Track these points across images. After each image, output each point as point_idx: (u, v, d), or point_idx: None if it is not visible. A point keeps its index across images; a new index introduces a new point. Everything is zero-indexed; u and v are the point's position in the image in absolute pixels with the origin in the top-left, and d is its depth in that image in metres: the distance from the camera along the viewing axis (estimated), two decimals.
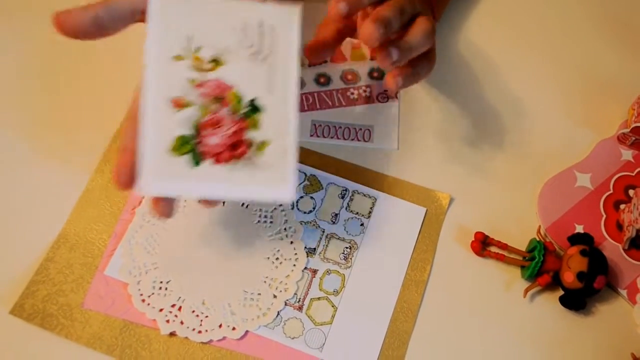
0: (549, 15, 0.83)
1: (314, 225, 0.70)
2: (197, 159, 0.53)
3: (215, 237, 0.67)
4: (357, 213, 0.71)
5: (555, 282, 0.67)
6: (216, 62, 0.55)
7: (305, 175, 0.72)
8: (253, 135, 0.54)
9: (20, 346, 0.63)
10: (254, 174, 0.54)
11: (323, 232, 0.70)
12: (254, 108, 0.55)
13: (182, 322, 0.64)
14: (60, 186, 0.69)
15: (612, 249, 0.69)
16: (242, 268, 0.66)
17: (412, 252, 0.69)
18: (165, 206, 0.55)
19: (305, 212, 0.71)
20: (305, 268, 0.68)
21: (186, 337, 0.63)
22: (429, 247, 0.70)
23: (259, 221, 0.69)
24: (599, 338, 0.67)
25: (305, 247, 0.69)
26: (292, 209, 0.70)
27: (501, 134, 0.76)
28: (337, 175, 0.72)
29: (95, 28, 0.57)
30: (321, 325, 0.66)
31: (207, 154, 0.53)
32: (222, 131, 0.54)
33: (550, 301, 0.68)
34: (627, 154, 0.74)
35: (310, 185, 0.72)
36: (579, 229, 0.70)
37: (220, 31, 0.55)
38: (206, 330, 0.64)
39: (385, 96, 0.77)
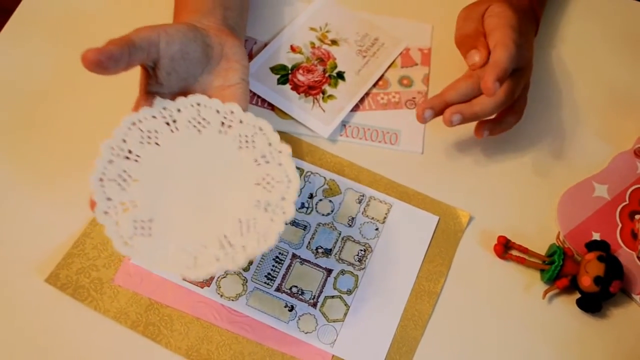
0: (569, 33, 0.86)
1: (331, 227, 0.71)
2: (283, 81, 0.80)
3: (196, 167, 0.60)
4: (373, 218, 0.72)
5: (573, 286, 0.68)
6: (334, 42, 0.83)
7: (325, 179, 0.74)
8: (327, 89, 0.79)
9: (51, 313, 0.65)
10: (313, 109, 0.78)
11: (339, 234, 0.71)
12: (339, 76, 0.80)
13: (116, 223, 0.56)
14: None
15: (627, 256, 0.70)
16: (232, 197, 0.59)
17: (424, 258, 0.70)
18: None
19: (323, 215, 0.72)
20: (320, 267, 0.69)
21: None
22: (445, 260, 0.70)
23: (240, 147, 0.61)
24: (613, 340, 0.68)
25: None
26: (274, 131, 0.61)
27: (524, 144, 0.78)
28: (355, 181, 0.74)
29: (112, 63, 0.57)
30: (334, 322, 0.67)
31: (291, 82, 0.80)
32: (309, 76, 0.80)
33: (567, 304, 0.69)
34: None
35: (329, 189, 0.73)
36: (596, 236, 0.71)
37: (348, 29, 0.84)
38: (132, 247, 0.55)
39: (413, 103, 0.79)
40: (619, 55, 0.84)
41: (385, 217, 0.72)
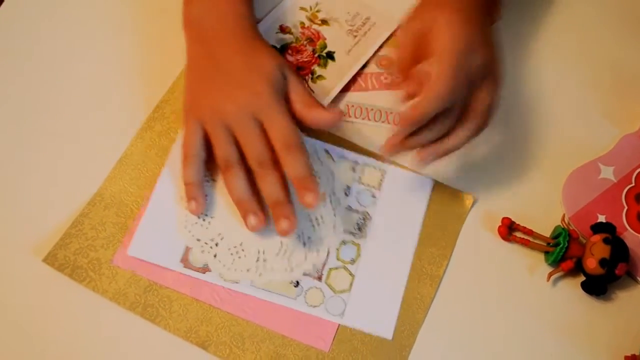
0: (578, 11, 0.84)
1: None
2: None
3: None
4: (368, 185, 0.72)
5: (578, 268, 0.68)
6: (324, 22, 0.80)
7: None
8: (317, 69, 0.77)
9: (48, 293, 0.65)
10: None
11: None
12: (329, 56, 0.78)
13: (215, 255, 0.66)
14: (103, 147, 0.70)
15: (633, 239, 0.70)
16: None
17: (423, 242, 0.70)
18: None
19: None
20: None
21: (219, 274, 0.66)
22: (448, 244, 0.70)
23: None
24: (618, 323, 0.68)
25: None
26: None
27: (529, 125, 0.77)
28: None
29: None
30: (341, 293, 0.67)
31: None
32: (298, 57, 0.78)
33: (572, 286, 0.69)
34: None
35: None
36: (601, 218, 0.71)
37: (338, 9, 0.81)
38: (235, 270, 0.66)
39: None
40: (626, 37, 0.83)
41: (380, 183, 0.72)
